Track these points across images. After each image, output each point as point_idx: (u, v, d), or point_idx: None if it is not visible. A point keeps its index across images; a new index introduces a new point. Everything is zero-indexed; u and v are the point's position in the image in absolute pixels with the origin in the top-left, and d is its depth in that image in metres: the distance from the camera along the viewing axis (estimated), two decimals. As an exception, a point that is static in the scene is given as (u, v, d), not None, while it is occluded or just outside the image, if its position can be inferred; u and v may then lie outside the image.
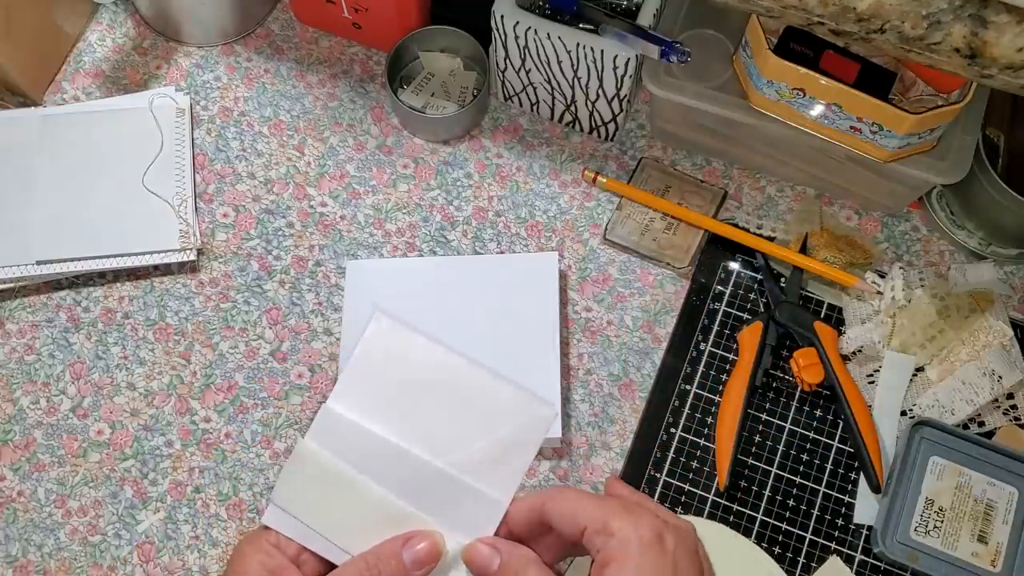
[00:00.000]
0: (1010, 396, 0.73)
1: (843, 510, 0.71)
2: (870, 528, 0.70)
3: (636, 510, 0.51)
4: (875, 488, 0.70)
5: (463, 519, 0.54)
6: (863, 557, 0.70)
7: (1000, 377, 0.70)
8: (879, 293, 0.74)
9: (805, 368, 0.72)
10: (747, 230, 0.78)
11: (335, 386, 0.55)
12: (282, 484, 0.55)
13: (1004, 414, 0.72)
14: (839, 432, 0.73)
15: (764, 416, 0.73)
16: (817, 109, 0.70)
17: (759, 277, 0.76)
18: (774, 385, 0.74)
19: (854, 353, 0.74)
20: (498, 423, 0.55)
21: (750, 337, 0.73)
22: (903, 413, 0.72)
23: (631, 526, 0.49)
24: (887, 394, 0.72)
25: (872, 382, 0.73)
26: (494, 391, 0.55)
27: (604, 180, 0.79)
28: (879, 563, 0.70)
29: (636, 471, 0.72)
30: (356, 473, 0.54)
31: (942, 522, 0.68)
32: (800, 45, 0.68)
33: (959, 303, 0.74)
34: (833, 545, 0.70)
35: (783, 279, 0.76)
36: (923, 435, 0.70)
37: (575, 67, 0.75)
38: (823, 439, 0.73)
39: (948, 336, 0.73)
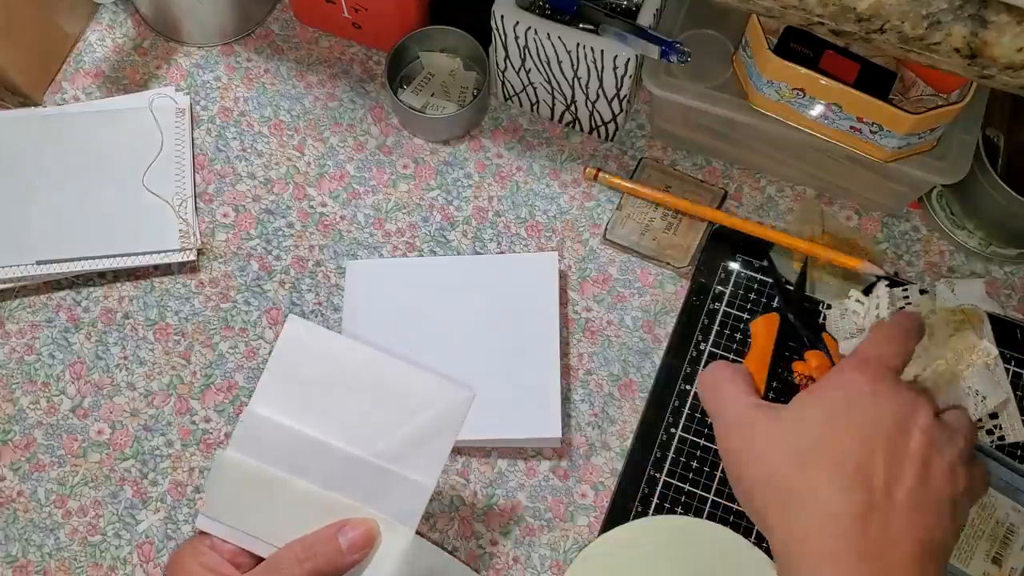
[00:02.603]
0: (994, 416, 0.72)
1: (843, 510, 0.71)
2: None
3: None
4: None
5: (392, 504, 0.56)
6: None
7: (984, 397, 0.70)
8: (884, 277, 0.75)
9: (817, 368, 0.72)
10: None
11: (255, 390, 0.58)
12: (209, 495, 0.57)
13: (988, 433, 0.72)
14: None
15: (764, 416, 0.73)
16: (817, 109, 0.70)
17: (759, 277, 0.76)
18: (775, 385, 0.74)
19: None
20: (418, 410, 0.57)
21: (766, 327, 0.73)
22: None
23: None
24: None
25: None
26: (412, 380, 0.58)
27: (606, 175, 0.79)
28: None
29: (636, 471, 0.72)
30: (280, 472, 0.56)
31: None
32: (800, 45, 0.68)
33: (945, 319, 0.73)
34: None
35: (787, 283, 0.76)
36: None
37: (575, 67, 0.75)
38: (823, 439, 0.73)
39: (932, 354, 0.72)
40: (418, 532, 0.58)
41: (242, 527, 0.56)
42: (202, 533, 0.57)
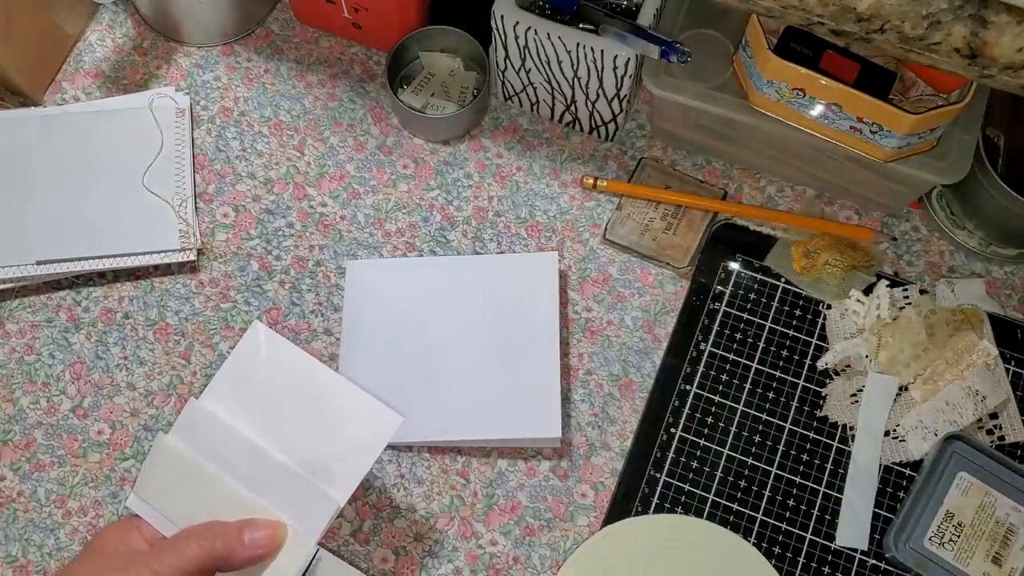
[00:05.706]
0: (994, 416, 0.72)
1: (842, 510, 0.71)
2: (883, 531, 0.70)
3: None
4: None
5: (300, 512, 0.58)
6: (862, 557, 0.70)
7: (984, 397, 0.70)
8: (894, 239, 0.76)
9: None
10: (747, 228, 0.78)
11: (209, 384, 0.61)
12: (143, 477, 0.60)
13: (988, 433, 0.72)
14: (839, 432, 0.73)
15: (764, 416, 0.73)
16: (817, 109, 0.70)
17: (759, 277, 0.76)
18: (774, 386, 0.74)
19: (845, 368, 0.74)
20: (347, 426, 0.60)
21: None
22: (887, 433, 0.72)
23: None
24: (871, 414, 0.72)
25: (856, 402, 0.73)
26: (350, 397, 0.61)
27: (604, 183, 0.79)
28: (879, 563, 0.70)
29: (636, 471, 0.72)
30: (210, 466, 0.59)
31: (959, 537, 0.68)
32: (800, 45, 0.68)
33: (945, 319, 0.73)
34: (833, 545, 0.70)
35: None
36: (955, 449, 0.70)
37: (575, 67, 0.75)
38: (823, 439, 0.73)
39: (932, 354, 0.72)
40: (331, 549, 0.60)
41: (167, 513, 0.58)
42: (133, 515, 0.59)
